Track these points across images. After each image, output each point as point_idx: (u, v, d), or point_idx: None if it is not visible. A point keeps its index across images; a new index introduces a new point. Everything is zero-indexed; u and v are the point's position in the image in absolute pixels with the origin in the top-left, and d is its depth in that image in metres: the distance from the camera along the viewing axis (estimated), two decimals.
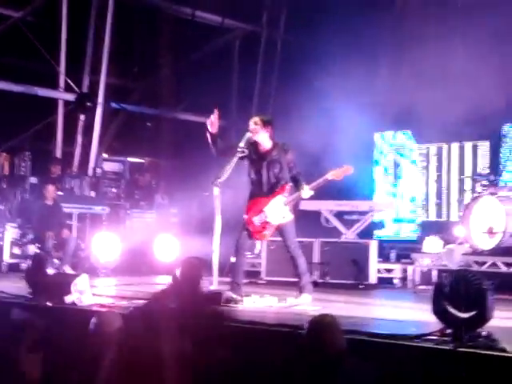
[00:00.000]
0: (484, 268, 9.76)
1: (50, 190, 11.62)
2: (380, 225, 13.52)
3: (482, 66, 10.30)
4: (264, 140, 7.83)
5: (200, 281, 6.85)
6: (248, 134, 7.80)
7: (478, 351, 4.66)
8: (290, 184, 7.80)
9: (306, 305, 7.56)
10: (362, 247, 10.59)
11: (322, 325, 4.63)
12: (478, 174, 11.42)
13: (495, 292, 5.06)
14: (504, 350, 4.68)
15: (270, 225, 7.79)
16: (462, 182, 12.88)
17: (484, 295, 4.94)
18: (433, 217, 13.32)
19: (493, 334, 4.88)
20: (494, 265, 9.87)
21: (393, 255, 11.87)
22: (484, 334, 4.87)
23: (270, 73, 15.95)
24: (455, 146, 13.01)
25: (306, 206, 11.89)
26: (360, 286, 10.19)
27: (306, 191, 7.68)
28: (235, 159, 7.73)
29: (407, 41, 12.32)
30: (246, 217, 7.82)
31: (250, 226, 7.81)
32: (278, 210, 7.74)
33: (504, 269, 9.78)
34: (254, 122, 7.79)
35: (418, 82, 11.18)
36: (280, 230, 7.87)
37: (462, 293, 4.97)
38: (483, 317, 4.90)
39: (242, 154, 7.78)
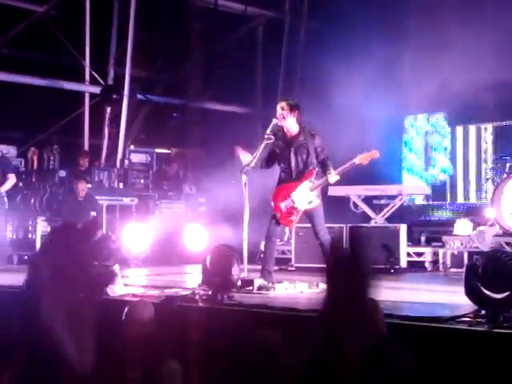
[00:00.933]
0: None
1: (81, 185, 11.71)
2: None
3: None
4: (291, 125, 7.80)
5: (231, 268, 6.87)
6: (275, 121, 7.78)
7: None
8: (318, 169, 7.77)
9: None
10: (392, 231, 10.54)
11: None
12: (504, 156, 11.29)
13: None
14: None
15: (297, 210, 7.77)
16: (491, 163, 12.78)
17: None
18: (461, 199, 13.25)
19: None
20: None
21: (423, 238, 11.80)
22: None
23: (294, 60, 15.89)
24: (487, 127, 12.90)
25: (334, 191, 11.86)
26: (391, 271, 10.15)
27: (333, 176, 7.66)
28: (262, 146, 7.74)
29: (436, 22, 12.16)
30: (272, 203, 7.82)
31: (277, 211, 7.80)
32: (304, 196, 7.72)
33: None
34: (281, 107, 7.76)
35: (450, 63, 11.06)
36: (308, 216, 7.85)
37: (495, 274, 4.92)
38: None
39: (270, 141, 7.77)
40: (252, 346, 5.65)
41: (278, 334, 5.45)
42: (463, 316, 5.03)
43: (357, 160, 7.74)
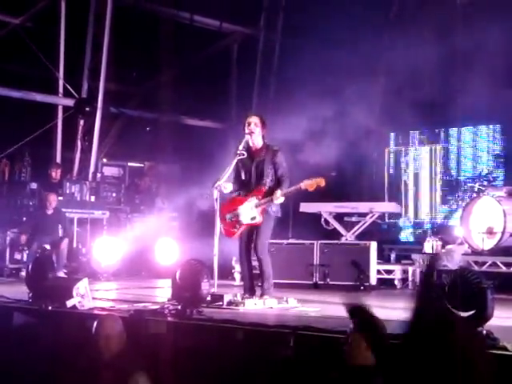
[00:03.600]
0: (484, 268, 9.78)
1: (51, 198, 11.65)
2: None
3: None
4: (258, 140, 7.93)
5: (201, 283, 6.89)
6: (247, 137, 7.86)
7: None
8: (269, 187, 7.83)
9: (306, 307, 7.60)
10: (362, 249, 10.61)
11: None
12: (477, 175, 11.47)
13: (495, 291, 5.09)
14: (505, 349, 4.70)
15: (240, 224, 7.87)
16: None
17: (483, 294, 4.96)
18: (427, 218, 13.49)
19: (493, 333, 4.89)
20: (493, 265, 9.90)
21: (392, 256, 11.89)
22: (484, 332, 4.88)
23: (268, 76, 15.98)
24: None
25: (305, 208, 11.94)
26: (360, 288, 10.20)
27: (278, 197, 7.73)
28: (234, 162, 7.80)
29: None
30: (218, 213, 7.87)
31: (222, 221, 7.88)
32: (249, 211, 7.84)
33: (504, 269, 9.81)
34: (254, 123, 7.85)
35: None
36: (253, 231, 7.92)
37: (461, 292, 4.99)
38: (483, 315, 4.92)
39: (242, 157, 7.84)
40: (221, 360, 5.68)
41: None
42: None
43: (303, 185, 7.81)
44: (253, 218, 7.83)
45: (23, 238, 11.42)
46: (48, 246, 11.16)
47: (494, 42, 10.28)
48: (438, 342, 2.96)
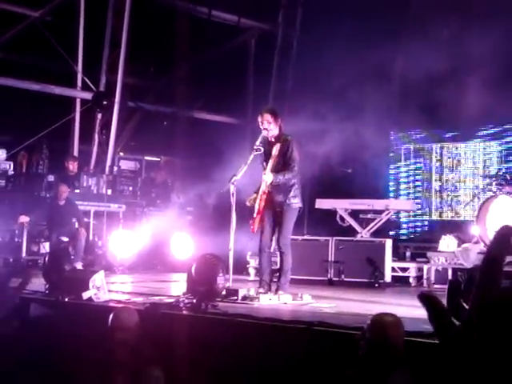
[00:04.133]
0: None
1: (62, 189, 11.70)
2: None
3: None
4: (274, 133, 7.97)
5: (216, 278, 6.92)
6: (264, 132, 7.89)
7: None
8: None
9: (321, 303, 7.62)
10: (377, 246, 10.61)
11: (386, 324, 4.45)
12: (494, 174, 11.41)
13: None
14: None
15: (259, 204, 7.85)
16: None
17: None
18: (447, 216, 13.40)
19: None
20: (509, 263, 9.84)
21: (408, 254, 11.88)
22: None
23: (285, 72, 15.98)
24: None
25: (321, 204, 11.93)
26: (375, 285, 10.21)
27: (267, 176, 7.80)
28: (251, 157, 7.83)
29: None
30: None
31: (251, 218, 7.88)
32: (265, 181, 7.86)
33: None
34: (267, 121, 7.88)
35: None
36: (278, 223, 7.93)
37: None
38: None
39: (258, 152, 7.88)
40: (235, 354, 5.71)
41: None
42: None
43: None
44: (258, 206, 7.82)
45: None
46: (66, 238, 11.24)
47: None
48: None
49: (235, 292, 7.52)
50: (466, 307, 4.93)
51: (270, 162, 7.90)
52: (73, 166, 13.13)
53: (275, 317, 6.18)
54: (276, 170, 7.85)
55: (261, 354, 5.63)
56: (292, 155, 7.86)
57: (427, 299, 3.75)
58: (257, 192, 7.95)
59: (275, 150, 7.89)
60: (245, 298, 7.50)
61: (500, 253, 3.64)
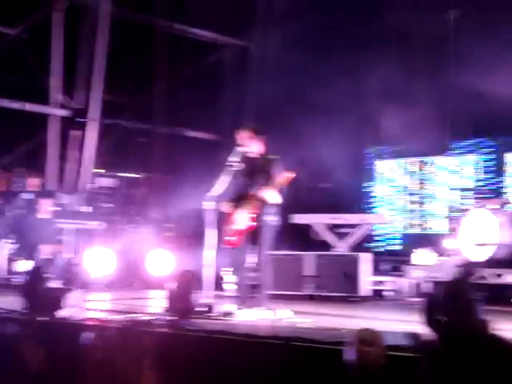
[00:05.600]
0: (476, 280, 9.81)
1: (43, 204, 11.66)
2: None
3: None
4: (254, 150, 7.95)
5: (194, 294, 6.94)
6: (238, 149, 7.89)
7: None
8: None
9: (296, 318, 7.63)
10: (353, 260, 10.65)
11: (370, 339, 4.57)
12: (468, 187, 11.53)
13: (485, 303, 5.12)
14: None
15: (238, 232, 7.86)
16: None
17: (474, 305, 4.99)
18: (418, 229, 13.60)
19: None
20: (485, 276, 9.93)
21: (385, 267, 11.94)
22: None
23: (260, 88, 16.03)
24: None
25: (297, 219, 11.96)
26: (351, 299, 10.24)
27: (269, 194, 7.72)
28: (226, 174, 7.81)
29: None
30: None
31: (224, 234, 7.90)
32: (244, 218, 7.84)
33: (496, 280, 9.85)
34: (244, 138, 7.90)
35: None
36: (256, 240, 7.93)
37: (452, 303, 5.02)
38: None
39: (235, 169, 7.86)
40: (213, 371, 5.71)
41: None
42: None
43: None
44: (247, 224, 7.83)
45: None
46: (43, 256, 11.19)
47: None
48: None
49: (213, 308, 7.52)
50: (445, 319, 4.99)
51: (249, 182, 7.88)
52: (51, 184, 13.07)
53: (253, 333, 6.19)
54: (257, 190, 7.84)
55: (240, 370, 5.64)
56: (275, 174, 7.87)
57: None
58: (234, 201, 7.93)
59: (258, 167, 7.89)
60: (223, 314, 7.50)
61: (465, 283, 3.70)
